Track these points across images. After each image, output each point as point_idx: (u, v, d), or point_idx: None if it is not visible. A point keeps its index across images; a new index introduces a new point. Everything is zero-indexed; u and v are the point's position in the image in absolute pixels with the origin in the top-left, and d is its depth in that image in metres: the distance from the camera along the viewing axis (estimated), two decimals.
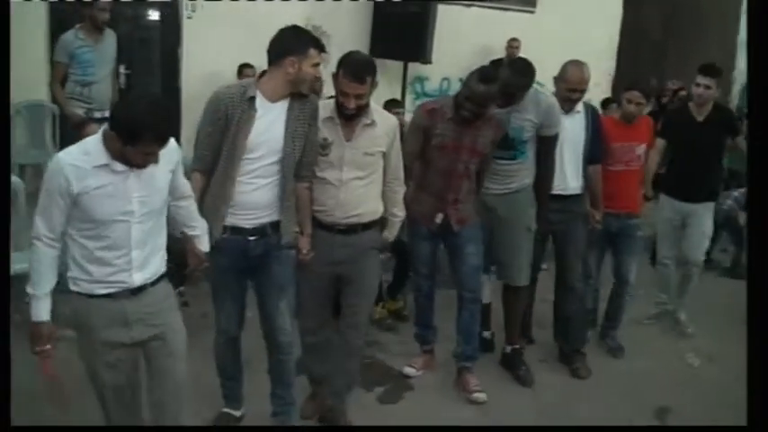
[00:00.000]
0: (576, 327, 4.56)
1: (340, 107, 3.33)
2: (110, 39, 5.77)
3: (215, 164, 3.13)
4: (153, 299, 2.75)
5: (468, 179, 3.93)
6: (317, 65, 3.12)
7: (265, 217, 3.20)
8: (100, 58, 5.66)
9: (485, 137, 3.84)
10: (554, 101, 4.09)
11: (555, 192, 4.23)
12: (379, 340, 4.65)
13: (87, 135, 3.97)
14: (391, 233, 3.70)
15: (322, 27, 7.62)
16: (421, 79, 8.39)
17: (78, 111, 5.51)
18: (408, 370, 4.29)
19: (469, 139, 3.82)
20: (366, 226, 3.50)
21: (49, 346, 2.64)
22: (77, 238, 2.61)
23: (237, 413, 3.62)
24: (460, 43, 8.01)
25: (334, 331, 3.77)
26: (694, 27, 10.04)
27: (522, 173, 4.07)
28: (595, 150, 4.35)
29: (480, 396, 4.05)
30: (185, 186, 2.91)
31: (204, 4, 7.22)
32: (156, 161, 2.58)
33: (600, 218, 4.48)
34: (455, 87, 6.59)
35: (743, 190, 6.23)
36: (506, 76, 3.83)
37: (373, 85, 3.32)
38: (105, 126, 2.56)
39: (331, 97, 3.47)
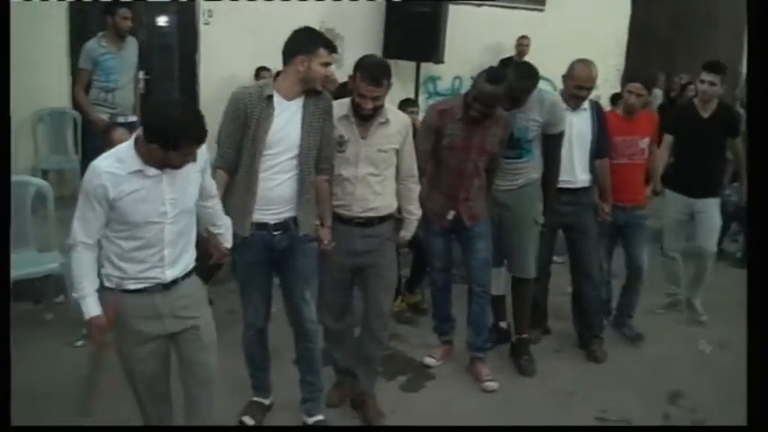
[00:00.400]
0: (594, 313, 4.70)
1: (357, 108, 3.47)
2: (131, 46, 5.94)
3: (238, 161, 3.28)
4: (184, 292, 2.87)
5: (479, 177, 4.03)
6: (326, 64, 3.25)
7: (288, 211, 3.34)
8: (122, 64, 5.82)
9: (493, 136, 3.94)
10: (557, 100, 4.20)
11: (565, 185, 4.35)
12: (399, 333, 4.79)
13: (114, 139, 4.17)
14: (408, 231, 3.82)
15: (335, 29, 7.78)
16: (433, 79, 8.50)
17: (103, 116, 5.68)
18: (429, 360, 4.43)
19: (479, 139, 3.92)
20: (382, 219, 3.65)
21: (106, 336, 2.76)
22: (113, 238, 2.72)
23: (267, 401, 3.77)
24: (471, 42, 8.12)
25: (354, 323, 3.93)
26: (703, 23, 10.10)
27: (529, 169, 4.17)
28: (601, 145, 4.46)
29: (491, 384, 4.19)
30: (212, 187, 3.02)
31: (220, 10, 7.37)
32: (194, 159, 2.70)
33: (609, 210, 4.59)
34: (467, 86, 6.73)
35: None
36: (511, 81, 3.92)
37: (389, 86, 3.46)
38: (137, 133, 2.68)
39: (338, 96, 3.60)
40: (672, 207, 5.20)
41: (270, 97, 3.23)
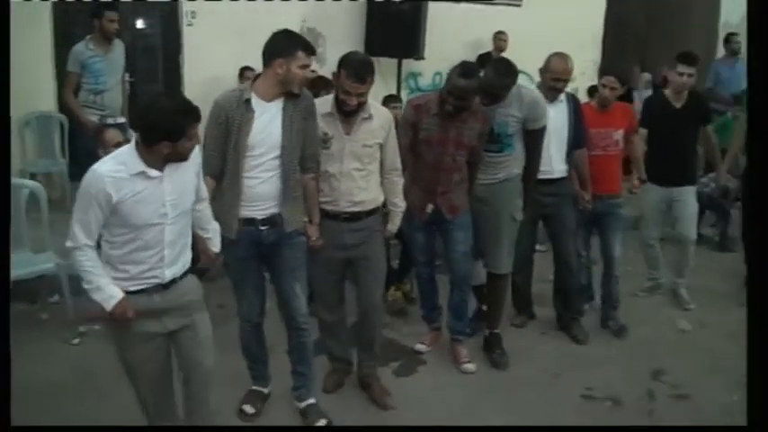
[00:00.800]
0: (572, 297, 4.86)
1: (341, 104, 3.54)
2: (119, 48, 6.01)
3: (223, 166, 3.34)
4: (183, 291, 2.93)
5: (458, 171, 4.06)
6: (305, 66, 3.29)
7: (274, 207, 3.41)
8: (110, 66, 5.89)
9: (471, 129, 3.97)
10: (537, 96, 4.25)
11: (543, 176, 4.42)
12: (390, 322, 4.90)
13: (107, 139, 4.27)
14: (394, 224, 3.91)
15: (317, 28, 7.90)
16: (415, 75, 8.61)
17: (92, 118, 5.75)
18: (419, 346, 4.56)
19: (455, 133, 3.96)
20: (369, 212, 3.74)
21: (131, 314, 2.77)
22: (113, 242, 2.77)
23: (266, 390, 3.87)
24: (451, 39, 8.21)
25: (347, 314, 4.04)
26: (676, 16, 10.26)
27: (510, 163, 4.22)
28: (579, 136, 4.55)
29: (469, 366, 4.31)
30: (204, 189, 3.08)
31: (203, 11, 7.45)
32: (198, 141, 2.78)
33: (589, 198, 4.69)
34: None
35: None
36: (490, 77, 4.00)
37: (372, 83, 3.53)
38: (136, 137, 2.72)
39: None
40: (650, 197, 5.32)
41: (248, 101, 3.28)
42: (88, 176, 2.69)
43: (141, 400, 3.07)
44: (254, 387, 3.85)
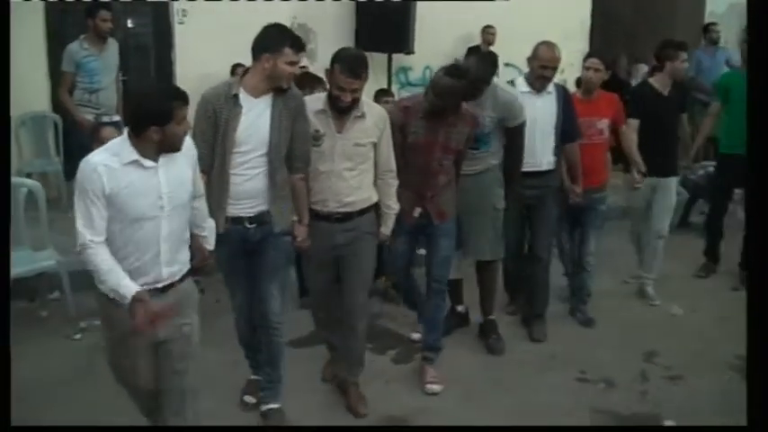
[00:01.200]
0: (538, 293, 4.83)
1: (335, 101, 3.48)
2: (112, 47, 6.07)
3: (213, 160, 3.30)
4: (179, 296, 2.85)
5: (446, 174, 3.97)
6: (292, 63, 3.25)
7: (261, 205, 3.38)
8: (105, 65, 5.96)
9: (459, 133, 3.88)
10: (512, 96, 4.22)
11: (529, 169, 4.41)
12: (387, 311, 4.99)
13: (104, 137, 4.30)
14: (387, 227, 3.81)
15: (307, 24, 7.95)
16: (405, 69, 8.67)
17: (88, 117, 5.81)
18: (415, 335, 4.60)
19: (443, 137, 3.85)
20: (361, 212, 3.67)
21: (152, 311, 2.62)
22: (112, 238, 2.67)
23: None
24: (441, 33, 8.27)
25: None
26: (662, 5, 10.36)
27: (487, 157, 4.22)
28: (569, 129, 4.53)
29: (434, 387, 4.05)
30: (200, 185, 3.03)
31: (194, 9, 7.50)
32: (189, 127, 2.74)
33: (580, 191, 4.66)
34: None
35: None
36: (473, 68, 3.98)
37: (366, 78, 3.48)
38: (128, 130, 2.67)
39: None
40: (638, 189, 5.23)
41: (236, 96, 3.25)
42: (82, 168, 2.63)
43: (134, 401, 3.07)
44: (252, 377, 3.85)
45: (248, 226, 3.39)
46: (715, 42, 8.63)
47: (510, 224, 4.48)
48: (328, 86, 3.71)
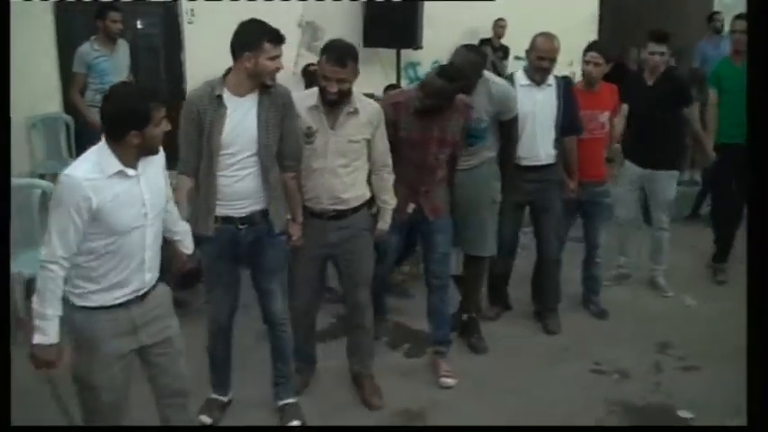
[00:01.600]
0: (549, 287, 4.83)
1: (322, 93, 3.43)
2: (123, 48, 6.12)
3: (199, 163, 3.24)
4: (158, 301, 2.80)
5: (441, 169, 3.94)
6: (274, 58, 3.15)
7: (253, 205, 3.31)
8: (115, 66, 6.00)
9: (455, 125, 3.85)
10: (506, 89, 4.18)
11: (529, 163, 4.42)
12: (397, 306, 4.97)
13: None
14: (385, 222, 3.78)
15: (316, 22, 7.99)
16: (413, 64, 8.71)
17: (99, 117, 5.83)
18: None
19: (438, 131, 3.81)
20: (355, 209, 3.64)
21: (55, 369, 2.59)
22: (94, 251, 2.58)
23: (225, 398, 3.72)
24: (449, 28, 8.28)
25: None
26: None
27: (483, 151, 4.19)
28: (570, 122, 4.48)
29: (448, 381, 4.05)
30: (169, 189, 2.93)
31: (203, 9, 7.54)
32: (168, 126, 2.64)
33: (575, 186, 4.64)
34: None
35: None
36: (465, 67, 3.87)
37: (355, 72, 3.42)
38: (104, 138, 2.57)
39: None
40: (625, 176, 5.24)
41: (219, 97, 3.17)
42: (64, 182, 2.50)
43: (84, 409, 2.84)
44: (212, 395, 3.70)
45: (240, 227, 3.33)
46: (719, 31, 8.55)
47: (504, 222, 4.45)
48: None
